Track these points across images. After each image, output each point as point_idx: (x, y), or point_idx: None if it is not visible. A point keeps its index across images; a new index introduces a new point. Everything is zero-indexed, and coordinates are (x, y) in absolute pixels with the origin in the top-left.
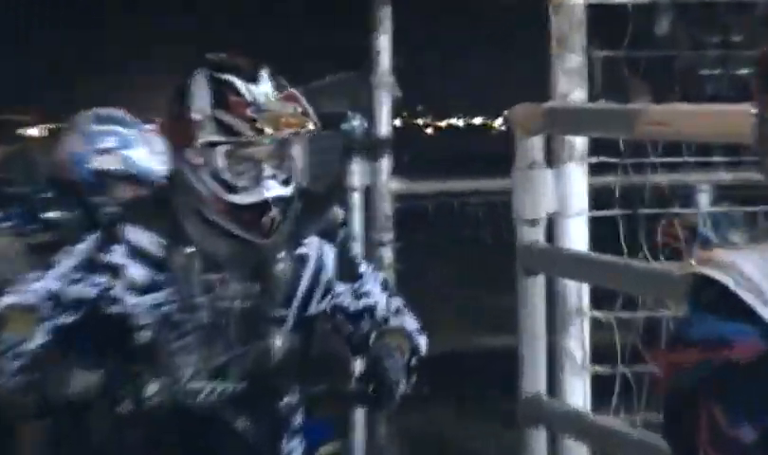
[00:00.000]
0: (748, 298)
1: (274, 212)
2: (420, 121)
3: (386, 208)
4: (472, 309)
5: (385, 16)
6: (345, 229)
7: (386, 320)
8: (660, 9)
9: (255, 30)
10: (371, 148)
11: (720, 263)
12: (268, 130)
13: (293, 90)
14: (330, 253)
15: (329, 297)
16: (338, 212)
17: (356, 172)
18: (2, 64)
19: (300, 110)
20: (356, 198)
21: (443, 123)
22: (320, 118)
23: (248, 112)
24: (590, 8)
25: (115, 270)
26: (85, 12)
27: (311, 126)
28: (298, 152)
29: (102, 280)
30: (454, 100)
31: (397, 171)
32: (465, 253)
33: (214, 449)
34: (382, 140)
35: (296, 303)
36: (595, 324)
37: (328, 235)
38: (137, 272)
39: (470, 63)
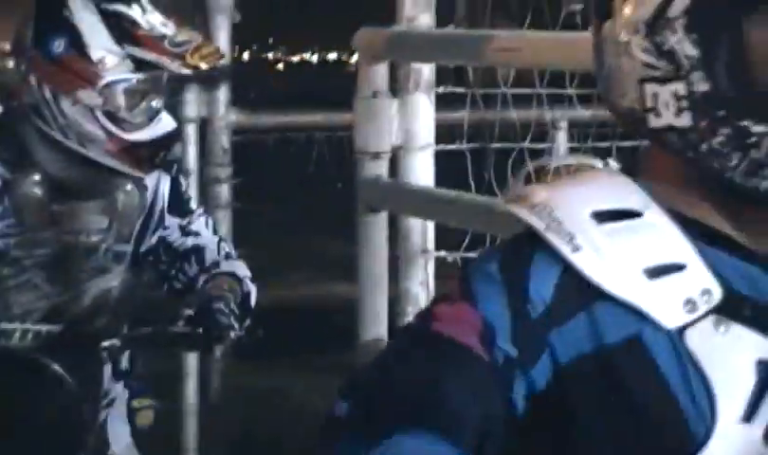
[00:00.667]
0: (556, 242)
1: (167, 147)
2: (270, 55)
3: (223, 141)
4: (314, 254)
5: None
6: (179, 162)
7: (216, 264)
8: None
9: None
10: (205, 79)
11: (534, 201)
12: (203, 65)
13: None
14: (166, 184)
15: (161, 230)
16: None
17: (191, 103)
18: None
19: (207, 40)
20: (191, 130)
21: (295, 58)
22: None
23: (167, 45)
24: None
25: None
26: None
27: (223, 59)
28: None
29: None
30: (308, 31)
31: (239, 105)
32: (307, 193)
33: (33, 393)
34: (219, 69)
35: (134, 238)
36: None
37: (165, 166)
38: None
39: None
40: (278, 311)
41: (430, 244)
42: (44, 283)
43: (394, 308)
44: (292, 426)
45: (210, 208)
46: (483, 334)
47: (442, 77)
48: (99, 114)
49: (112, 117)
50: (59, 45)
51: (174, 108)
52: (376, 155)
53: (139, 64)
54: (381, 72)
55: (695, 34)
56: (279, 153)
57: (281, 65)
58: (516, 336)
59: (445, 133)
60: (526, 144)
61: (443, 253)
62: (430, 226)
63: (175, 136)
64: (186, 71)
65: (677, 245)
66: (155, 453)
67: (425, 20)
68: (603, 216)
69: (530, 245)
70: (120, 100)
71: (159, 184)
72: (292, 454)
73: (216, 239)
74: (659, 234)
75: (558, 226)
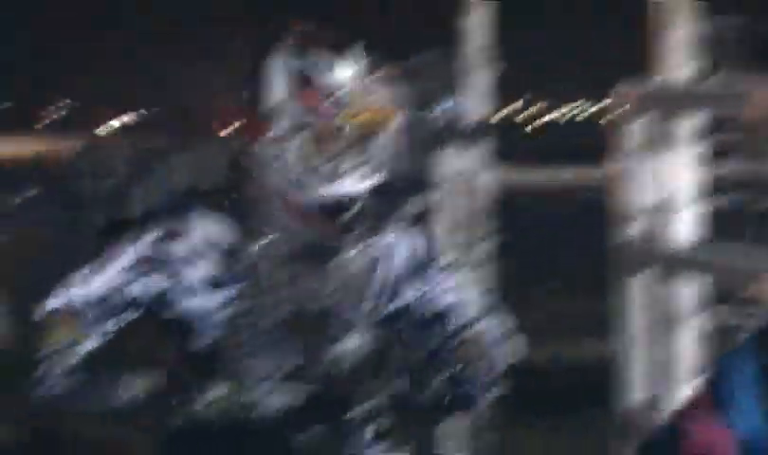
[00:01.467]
0: None
1: (348, 213)
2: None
3: (482, 200)
4: (574, 314)
5: None
6: (425, 222)
7: (469, 324)
8: None
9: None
10: (465, 135)
11: None
12: (345, 126)
13: (386, 72)
14: (407, 247)
15: (403, 295)
16: (417, 203)
17: (448, 162)
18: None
19: (388, 99)
20: (448, 190)
21: (556, 114)
22: (406, 100)
23: (326, 104)
24: None
25: (175, 268)
26: None
27: (397, 120)
28: (383, 143)
29: (159, 280)
30: (564, 83)
31: (496, 162)
32: (570, 253)
33: None
34: (478, 126)
35: (371, 303)
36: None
37: (406, 227)
38: (203, 267)
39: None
40: (538, 372)
41: (692, 305)
42: (280, 348)
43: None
44: None
45: (473, 265)
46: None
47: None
48: (275, 168)
49: (286, 173)
50: (248, 93)
51: (429, 166)
52: (635, 214)
53: (302, 121)
54: (641, 128)
55: None
56: (536, 208)
57: (541, 120)
58: None
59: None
60: None
61: (707, 314)
62: (693, 288)
63: (357, 202)
64: (325, 130)
65: None
66: None
67: (684, 72)
68: None
69: None
70: (292, 155)
71: (400, 248)
72: None
73: (469, 296)
74: None
75: None
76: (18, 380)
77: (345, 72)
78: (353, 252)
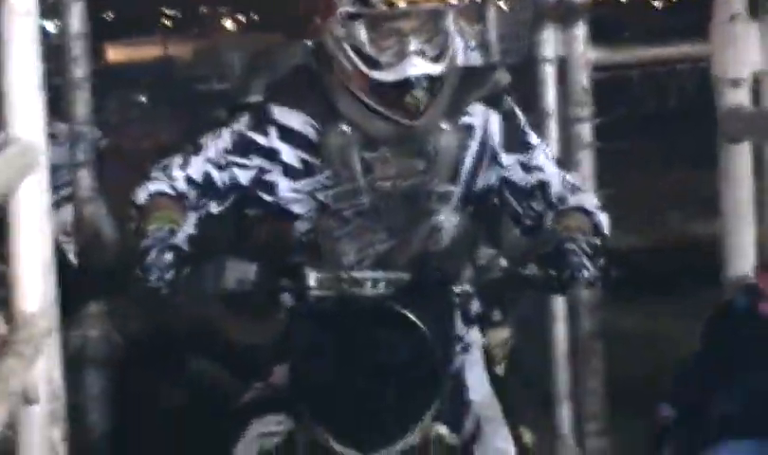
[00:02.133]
0: None
1: (419, 92)
2: None
3: (582, 79)
4: (678, 190)
5: None
6: (510, 96)
7: (562, 199)
8: None
9: None
10: (565, 14)
11: None
12: (401, 3)
13: None
14: (496, 121)
15: (496, 169)
16: (501, 77)
17: (549, 42)
18: None
19: None
20: (549, 70)
21: None
22: None
23: None
24: None
25: (269, 153)
26: None
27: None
28: (455, 23)
29: (257, 162)
30: None
31: (598, 41)
32: (669, 128)
33: (388, 340)
34: (577, 5)
35: (462, 178)
36: None
37: (493, 102)
38: (291, 155)
39: None
40: (643, 251)
41: None
42: (368, 232)
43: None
44: (660, 368)
45: (572, 148)
46: None
47: None
48: (347, 47)
49: (358, 52)
50: None
51: (531, 46)
52: (736, 83)
53: None
54: None
55: None
56: (640, 87)
57: None
58: None
59: None
60: None
61: None
62: None
63: (428, 82)
64: (382, 6)
65: None
66: (521, 399)
67: None
68: None
69: None
70: (361, 34)
71: (488, 121)
72: (661, 397)
73: (559, 172)
74: None
75: None
76: (127, 278)
77: None
78: (443, 127)
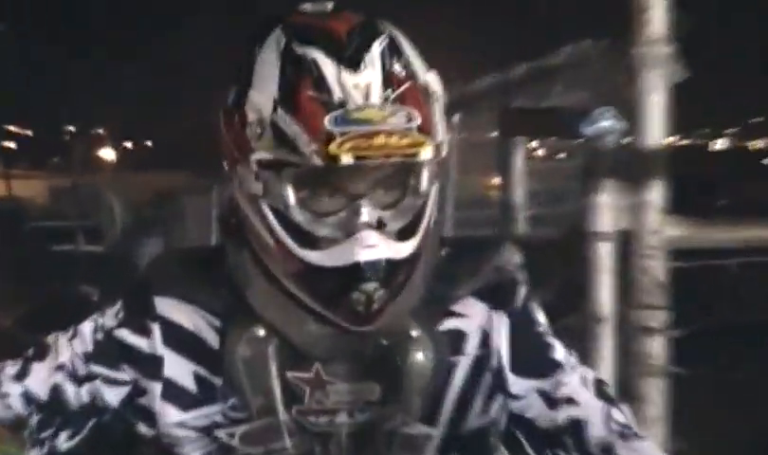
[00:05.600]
0: None
1: (371, 284)
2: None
3: (655, 266)
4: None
5: None
6: (527, 289)
7: (607, 450)
8: None
9: None
10: (631, 168)
11: None
12: (345, 158)
13: (429, 77)
14: (502, 327)
15: (501, 399)
16: (511, 258)
17: (607, 208)
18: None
19: (417, 122)
20: (605, 250)
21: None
22: (547, 115)
23: (325, 121)
24: None
25: (150, 362)
26: None
27: (428, 154)
28: (432, 176)
29: (130, 375)
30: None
31: (673, 208)
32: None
33: None
34: (651, 155)
35: (444, 416)
36: None
37: (496, 298)
38: (180, 369)
39: None
40: None
41: None
42: None
43: None
44: None
45: (631, 369)
46: None
47: None
48: (266, 210)
49: (282, 218)
50: (231, 94)
51: (579, 214)
52: None
53: (289, 144)
54: None
55: None
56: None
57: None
58: None
59: None
60: None
61: None
62: None
63: (388, 271)
64: (315, 159)
65: None
66: None
67: None
68: None
69: None
70: (288, 194)
71: (491, 328)
72: None
73: (603, 405)
74: None
75: None
76: None
77: (362, 76)
78: (415, 335)
